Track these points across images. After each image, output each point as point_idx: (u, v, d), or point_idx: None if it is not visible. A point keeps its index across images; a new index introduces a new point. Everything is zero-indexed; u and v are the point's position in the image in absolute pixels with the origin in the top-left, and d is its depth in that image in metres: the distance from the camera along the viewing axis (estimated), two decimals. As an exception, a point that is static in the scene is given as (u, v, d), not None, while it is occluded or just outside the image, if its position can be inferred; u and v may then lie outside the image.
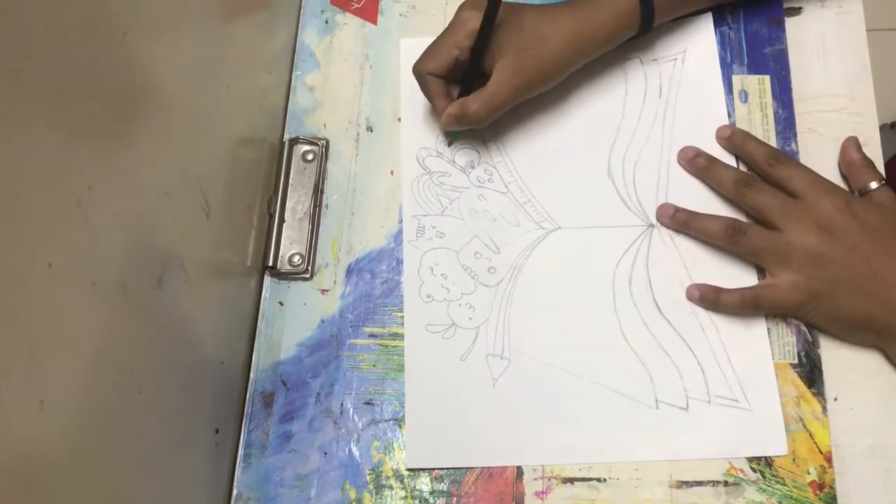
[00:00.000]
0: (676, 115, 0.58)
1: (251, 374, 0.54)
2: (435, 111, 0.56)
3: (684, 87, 0.59)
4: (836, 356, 0.52)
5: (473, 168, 0.58)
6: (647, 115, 0.58)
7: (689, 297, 0.53)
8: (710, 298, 0.53)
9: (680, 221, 0.54)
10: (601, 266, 0.55)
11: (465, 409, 0.52)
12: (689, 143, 0.57)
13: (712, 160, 0.55)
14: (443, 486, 0.51)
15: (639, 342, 0.53)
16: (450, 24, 0.54)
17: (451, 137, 0.58)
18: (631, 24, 0.55)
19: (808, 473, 0.50)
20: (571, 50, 0.53)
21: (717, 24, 0.61)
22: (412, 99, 0.59)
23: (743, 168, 0.56)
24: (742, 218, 0.54)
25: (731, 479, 0.50)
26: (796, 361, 0.52)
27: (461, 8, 0.53)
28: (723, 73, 0.59)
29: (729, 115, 0.58)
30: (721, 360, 0.52)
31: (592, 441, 0.51)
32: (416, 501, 0.51)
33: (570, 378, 0.53)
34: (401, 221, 0.57)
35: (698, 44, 0.60)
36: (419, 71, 0.54)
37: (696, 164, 0.56)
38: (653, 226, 0.55)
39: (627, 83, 0.59)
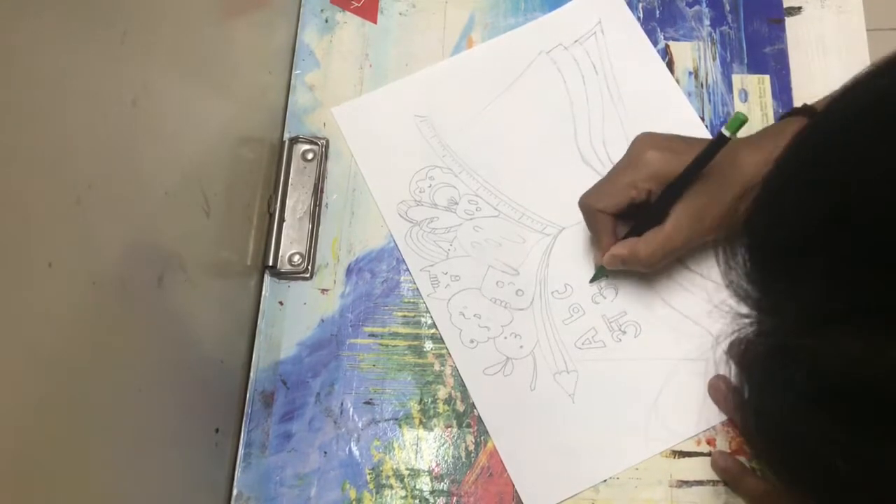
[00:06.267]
0: (619, 82, 0.59)
1: (251, 374, 0.54)
2: (596, 245, 0.53)
3: (613, 54, 0.60)
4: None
5: (457, 203, 0.57)
6: (593, 95, 0.59)
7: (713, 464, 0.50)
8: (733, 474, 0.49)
9: (731, 406, 0.50)
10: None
11: (557, 435, 0.51)
12: (640, 104, 0.56)
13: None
14: (443, 486, 0.51)
15: (684, 304, 0.53)
16: (627, 162, 0.50)
17: (599, 275, 0.54)
18: None
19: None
20: None
21: (717, 24, 0.61)
22: (368, 162, 0.59)
23: None
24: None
25: (730, 479, 0.50)
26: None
27: (641, 146, 0.49)
28: (723, 73, 0.59)
29: (670, 67, 0.58)
30: None
31: (687, 415, 0.51)
32: (416, 501, 0.51)
33: (640, 364, 0.53)
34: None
35: (609, 8, 0.61)
36: (588, 207, 0.51)
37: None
38: None
39: (562, 72, 0.60)
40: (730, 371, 0.31)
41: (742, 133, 0.45)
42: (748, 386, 0.29)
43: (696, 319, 0.53)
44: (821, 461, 0.26)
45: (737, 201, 0.49)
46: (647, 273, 0.52)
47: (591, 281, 0.54)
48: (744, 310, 0.29)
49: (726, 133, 0.45)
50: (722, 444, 0.51)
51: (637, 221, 0.50)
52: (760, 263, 0.28)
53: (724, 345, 0.30)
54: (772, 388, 0.27)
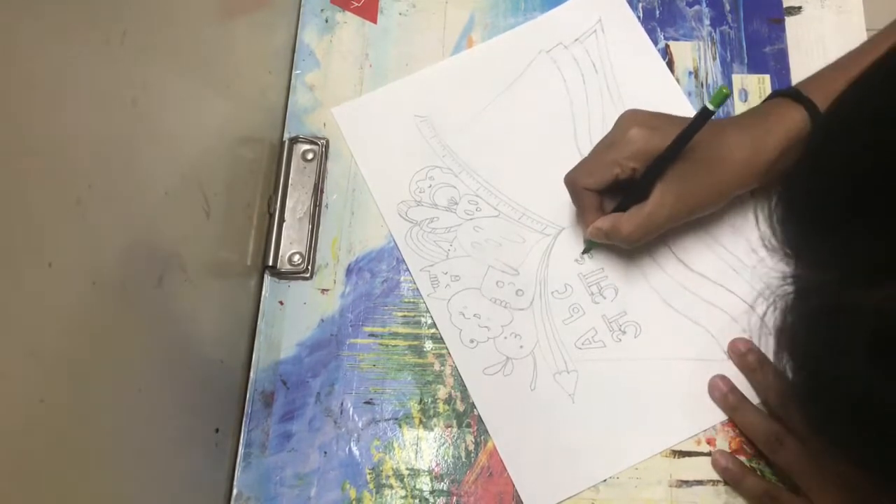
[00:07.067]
0: (619, 81, 0.59)
1: (251, 374, 0.54)
2: (581, 220, 0.53)
3: (613, 53, 0.60)
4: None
5: (457, 203, 0.57)
6: (592, 94, 0.59)
7: (717, 468, 0.50)
8: (735, 477, 0.50)
9: (729, 405, 0.51)
10: (617, 248, 0.55)
11: (557, 435, 0.51)
12: (640, 104, 0.52)
13: (763, 362, 0.51)
14: (443, 486, 0.51)
15: (684, 305, 0.54)
16: (611, 139, 0.50)
17: (588, 246, 0.55)
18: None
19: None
20: (740, 180, 0.50)
21: (717, 24, 0.61)
22: (368, 162, 0.59)
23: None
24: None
25: (730, 479, 0.50)
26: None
27: (626, 124, 0.49)
28: (723, 73, 0.59)
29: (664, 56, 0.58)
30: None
31: (687, 415, 0.51)
32: (416, 501, 0.51)
33: (639, 364, 0.53)
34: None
35: (609, 7, 0.61)
36: (574, 184, 0.51)
37: (746, 361, 0.51)
38: None
39: (562, 71, 0.60)
40: (763, 336, 0.30)
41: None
42: (792, 348, 0.29)
43: (695, 319, 0.53)
44: (873, 420, 0.26)
45: (721, 185, 0.50)
46: (631, 249, 0.53)
47: (583, 252, 0.55)
48: (784, 271, 0.29)
49: (710, 107, 0.45)
50: (722, 444, 0.51)
51: (623, 197, 0.51)
52: (808, 219, 0.28)
53: (762, 309, 0.30)
54: (819, 347, 0.27)
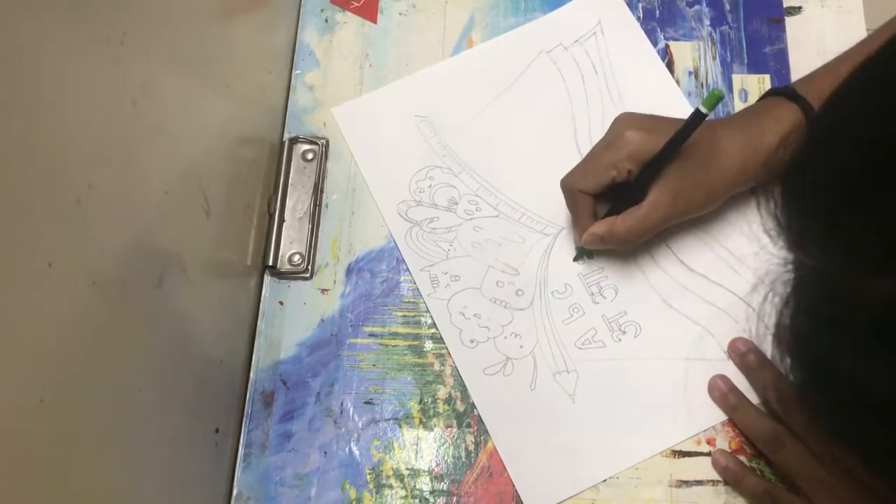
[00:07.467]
0: (619, 82, 0.60)
1: (251, 374, 0.54)
2: (575, 226, 0.54)
3: (613, 54, 0.60)
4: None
5: (457, 203, 0.57)
6: (592, 95, 0.59)
7: (713, 463, 0.51)
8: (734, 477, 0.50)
9: (729, 405, 0.51)
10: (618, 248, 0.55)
11: (557, 435, 0.51)
12: (640, 104, 0.52)
13: (763, 362, 0.50)
14: (443, 486, 0.51)
15: (684, 305, 0.53)
16: (607, 141, 0.50)
17: (580, 253, 0.55)
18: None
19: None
20: (736, 179, 0.50)
21: (717, 24, 0.61)
22: (368, 162, 0.59)
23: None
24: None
25: (730, 479, 0.50)
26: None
27: (621, 126, 0.49)
28: (723, 73, 0.59)
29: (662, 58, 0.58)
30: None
31: (687, 415, 0.51)
32: (416, 501, 0.51)
33: (639, 363, 0.53)
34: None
35: (609, 9, 0.61)
36: (570, 187, 0.51)
37: (747, 360, 0.51)
38: None
39: (562, 72, 0.60)
40: (764, 336, 0.31)
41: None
42: (793, 336, 0.29)
43: (695, 319, 0.53)
44: (875, 407, 0.26)
45: (716, 186, 0.50)
46: (625, 250, 0.53)
47: (574, 260, 0.55)
48: (786, 258, 0.29)
49: (703, 109, 0.45)
50: (722, 444, 0.51)
51: (616, 200, 0.51)
52: (811, 208, 0.28)
53: (763, 294, 0.30)
54: (820, 334, 0.28)
